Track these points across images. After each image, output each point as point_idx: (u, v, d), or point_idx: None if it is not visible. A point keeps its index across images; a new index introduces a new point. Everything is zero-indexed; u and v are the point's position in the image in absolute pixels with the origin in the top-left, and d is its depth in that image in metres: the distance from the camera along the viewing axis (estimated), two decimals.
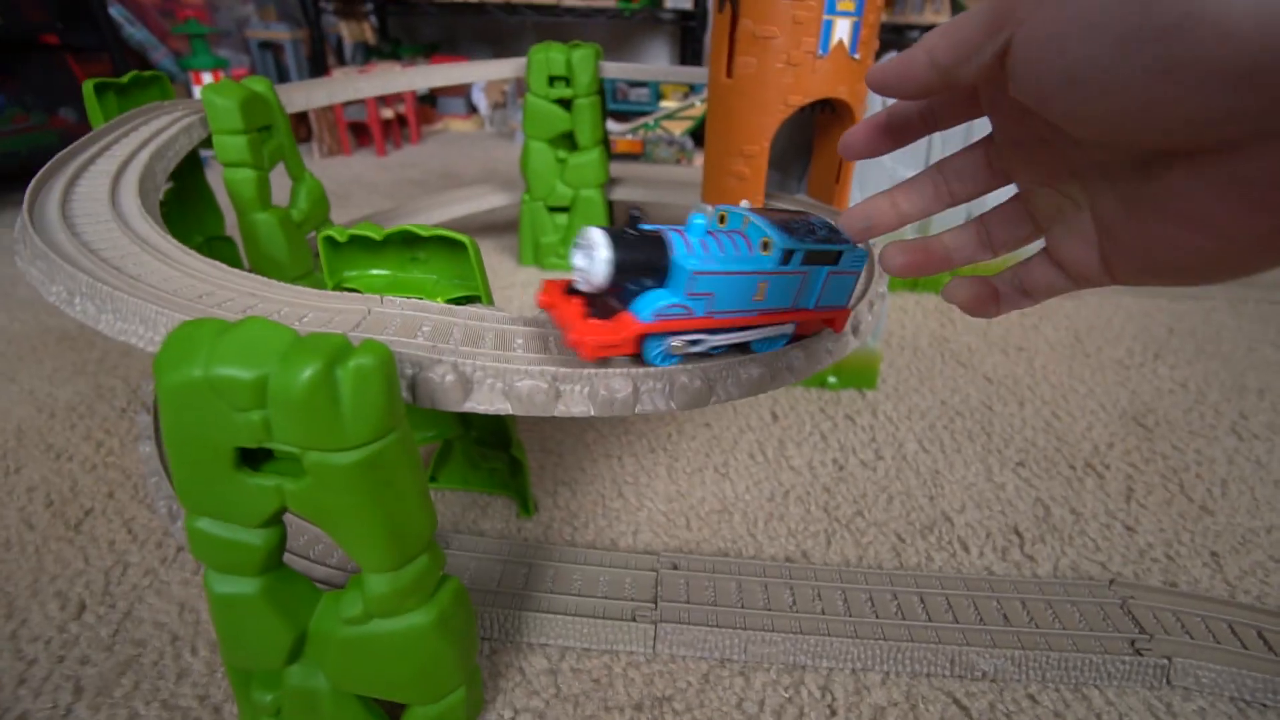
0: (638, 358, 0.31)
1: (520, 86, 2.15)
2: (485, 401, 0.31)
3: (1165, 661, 0.41)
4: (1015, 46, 0.17)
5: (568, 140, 0.95)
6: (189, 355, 0.25)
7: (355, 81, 0.84)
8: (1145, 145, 0.16)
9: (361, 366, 0.25)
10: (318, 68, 2.00)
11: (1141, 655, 0.42)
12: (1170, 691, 0.42)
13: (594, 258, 0.28)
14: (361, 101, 1.70)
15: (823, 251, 0.31)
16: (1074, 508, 0.58)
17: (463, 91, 2.25)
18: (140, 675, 0.41)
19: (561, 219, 1.00)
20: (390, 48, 2.22)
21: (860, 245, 0.31)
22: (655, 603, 0.45)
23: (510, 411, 0.31)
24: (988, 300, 0.24)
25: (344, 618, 0.31)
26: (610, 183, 0.98)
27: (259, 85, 0.68)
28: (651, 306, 0.29)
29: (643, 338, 0.30)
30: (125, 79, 0.67)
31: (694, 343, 0.31)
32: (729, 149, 0.77)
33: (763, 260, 0.30)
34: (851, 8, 0.68)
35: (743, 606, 0.45)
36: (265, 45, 1.93)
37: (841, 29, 0.69)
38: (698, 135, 1.83)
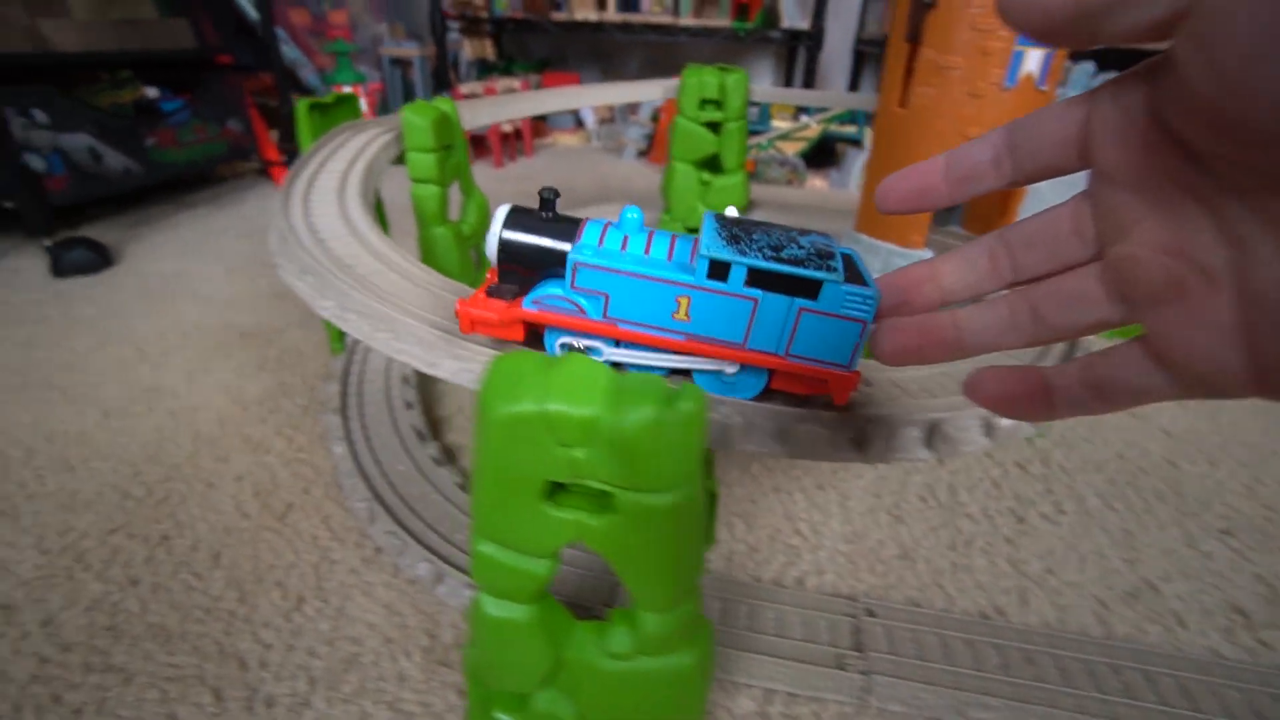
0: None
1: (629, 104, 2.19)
2: (759, 443, 0.31)
3: None
4: None
5: (709, 163, 0.96)
6: (519, 390, 0.26)
7: (518, 101, 0.88)
8: None
9: (689, 411, 0.25)
10: (440, 82, 2.10)
11: None
12: None
13: (491, 232, 0.27)
14: None
15: (784, 276, 0.24)
16: None
17: None
18: (363, 675, 0.42)
19: None
20: (504, 64, 2.31)
21: (872, 286, 0.24)
22: (860, 651, 0.43)
23: (780, 454, 0.31)
24: (1035, 400, 0.18)
25: (610, 652, 0.31)
26: (750, 207, 0.98)
27: (445, 105, 0.71)
28: (535, 293, 0.28)
29: (535, 327, 0.29)
30: (330, 99, 0.72)
31: (595, 351, 0.29)
32: None
33: (686, 270, 0.25)
34: None
35: (950, 664, 0.43)
36: (395, 61, 2.05)
37: (1032, 60, 0.66)
38: (809, 157, 1.81)
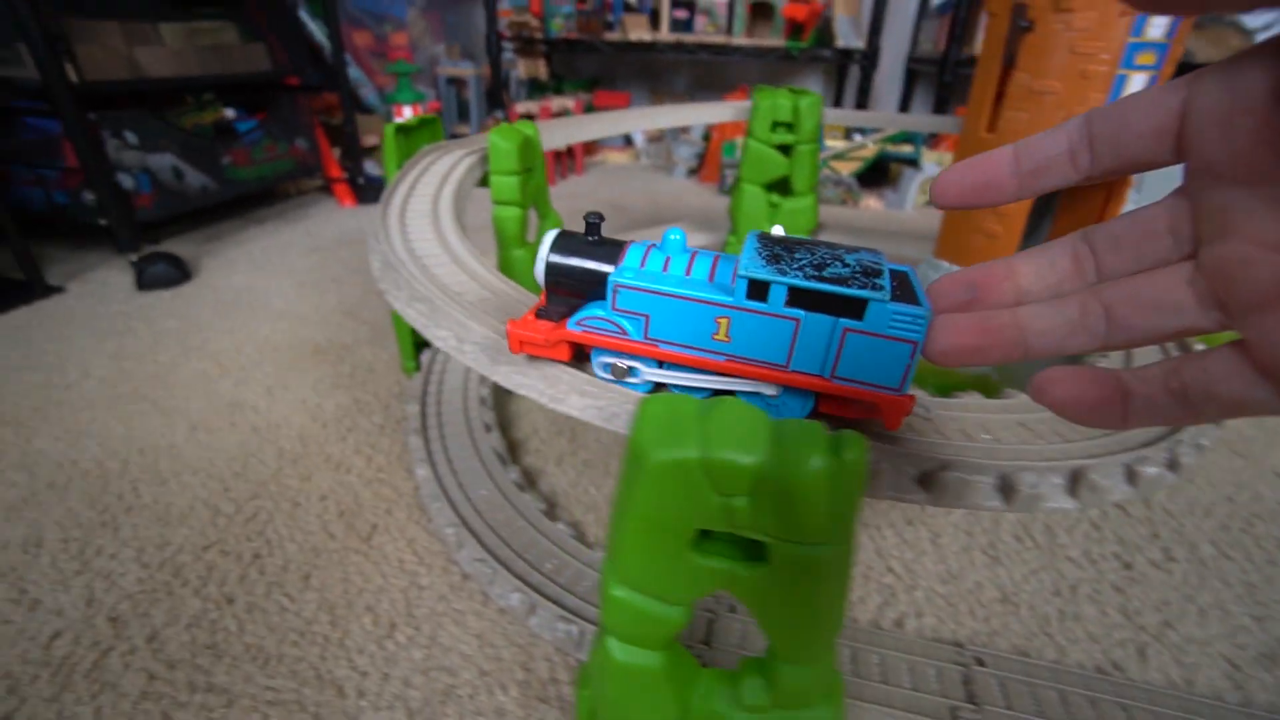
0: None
1: None
2: (906, 490, 0.29)
3: None
4: None
5: (778, 185, 0.95)
6: (678, 436, 0.25)
7: (585, 123, 0.88)
8: None
9: (854, 461, 0.24)
10: (494, 101, 2.14)
11: None
12: None
13: (539, 256, 0.28)
14: None
15: (826, 295, 0.23)
16: None
17: None
18: (461, 708, 0.42)
19: None
20: (555, 84, 2.35)
21: (925, 305, 0.22)
22: (975, 704, 0.41)
23: (925, 503, 0.29)
24: (1110, 405, 0.17)
25: (743, 703, 0.30)
26: (818, 229, 0.97)
27: (529, 129, 0.71)
28: (579, 315, 0.28)
29: (580, 348, 0.30)
30: (414, 122, 0.73)
31: (635, 370, 0.29)
32: None
33: (726, 291, 0.25)
34: (1151, 60, 0.63)
35: None
36: (451, 80, 2.10)
37: (1136, 84, 0.64)
38: (862, 176, 1.78)
